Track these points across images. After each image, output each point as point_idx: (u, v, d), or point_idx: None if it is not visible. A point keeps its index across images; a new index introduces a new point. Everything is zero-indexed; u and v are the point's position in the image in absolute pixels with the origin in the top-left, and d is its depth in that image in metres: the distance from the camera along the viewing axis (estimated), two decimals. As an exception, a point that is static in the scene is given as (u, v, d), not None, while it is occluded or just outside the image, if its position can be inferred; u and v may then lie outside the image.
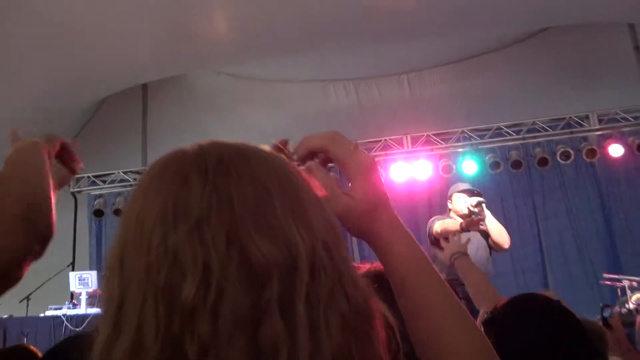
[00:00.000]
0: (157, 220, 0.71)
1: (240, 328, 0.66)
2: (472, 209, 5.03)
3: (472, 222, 4.77)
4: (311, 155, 0.95)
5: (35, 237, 1.13)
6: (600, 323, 2.85)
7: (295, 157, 0.95)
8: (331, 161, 0.95)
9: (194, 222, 0.69)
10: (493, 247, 5.20)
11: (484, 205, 5.06)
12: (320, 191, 0.82)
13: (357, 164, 0.92)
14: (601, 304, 4.11)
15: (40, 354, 2.18)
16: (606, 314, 2.79)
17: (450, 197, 5.33)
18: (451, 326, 0.88)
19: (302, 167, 0.93)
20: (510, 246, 5.32)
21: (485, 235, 5.17)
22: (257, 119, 10.33)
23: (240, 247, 0.69)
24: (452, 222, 4.95)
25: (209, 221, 0.70)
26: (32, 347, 2.27)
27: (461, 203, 5.14)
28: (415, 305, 0.89)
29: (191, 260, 0.68)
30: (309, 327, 0.68)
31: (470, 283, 2.21)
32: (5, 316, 8.00)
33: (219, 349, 0.66)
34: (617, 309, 6.71)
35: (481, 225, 5.09)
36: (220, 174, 0.74)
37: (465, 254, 2.23)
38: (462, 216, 5.09)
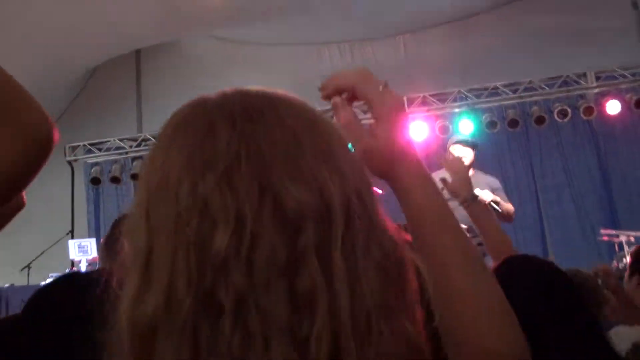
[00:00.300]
0: (183, 170, 0.69)
1: (277, 276, 0.65)
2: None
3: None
4: (338, 92, 0.94)
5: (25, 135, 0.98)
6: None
7: (322, 93, 0.95)
8: (357, 99, 0.93)
9: (223, 170, 0.68)
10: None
11: (497, 197, 4.82)
12: (343, 128, 0.83)
13: (385, 104, 0.90)
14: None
15: None
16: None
17: (447, 150, 5.22)
18: (467, 284, 0.84)
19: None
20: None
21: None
22: (251, 82, 9.59)
23: (273, 193, 0.67)
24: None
25: (239, 169, 0.68)
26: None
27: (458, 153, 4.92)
28: (430, 257, 0.86)
29: (222, 209, 0.66)
30: (347, 277, 0.67)
31: (485, 233, 2.12)
32: (6, 285, 8.06)
33: (257, 298, 0.65)
34: (615, 263, 6.78)
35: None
36: (247, 121, 0.72)
37: (477, 197, 2.12)
38: None
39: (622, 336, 2.15)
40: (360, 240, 0.69)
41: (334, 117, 0.91)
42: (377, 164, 0.90)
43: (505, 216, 4.79)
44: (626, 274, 2.87)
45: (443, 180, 2.27)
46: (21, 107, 1.00)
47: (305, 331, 0.65)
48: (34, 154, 0.98)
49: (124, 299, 0.69)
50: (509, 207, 4.97)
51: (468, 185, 2.11)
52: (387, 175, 0.91)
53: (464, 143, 5.16)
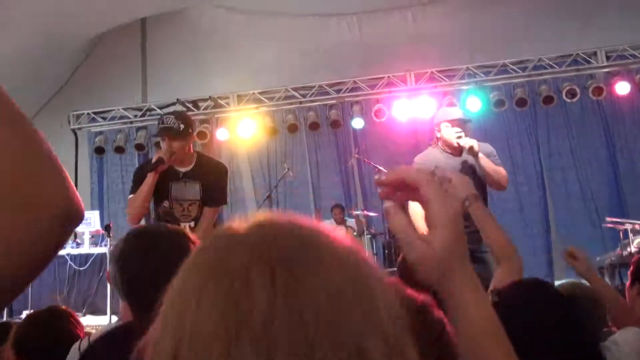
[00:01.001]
0: (216, 329, 0.63)
1: None
2: (465, 151, 4.47)
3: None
4: (397, 184, 0.90)
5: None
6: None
7: (381, 183, 0.91)
8: (413, 198, 0.90)
9: (261, 336, 0.62)
10: (491, 187, 4.66)
11: (474, 147, 4.44)
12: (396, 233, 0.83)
13: (444, 213, 0.87)
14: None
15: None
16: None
17: (437, 125, 4.65)
18: None
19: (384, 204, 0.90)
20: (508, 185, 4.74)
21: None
22: (258, 53, 10.21)
23: None
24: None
25: (277, 339, 0.62)
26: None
27: (451, 133, 4.54)
28: None
29: None
30: None
31: (488, 234, 2.16)
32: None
33: None
34: (619, 250, 6.77)
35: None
36: (289, 275, 0.65)
37: (478, 197, 2.11)
38: (451, 148, 4.56)
39: (626, 341, 2.19)
40: None
41: (387, 221, 0.89)
42: (429, 274, 0.88)
43: (490, 175, 4.44)
44: (628, 283, 2.87)
45: (445, 179, 2.27)
46: (40, 184, 0.83)
47: None
48: (55, 235, 0.84)
49: None
50: (498, 168, 4.53)
51: (468, 185, 2.10)
52: (439, 285, 0.89)
53: (459, 123, 4.63)
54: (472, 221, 2.29)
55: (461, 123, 4.56)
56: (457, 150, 4.55)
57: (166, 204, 4.04)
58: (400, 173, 0.90)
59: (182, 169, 4.06)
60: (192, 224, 4.01)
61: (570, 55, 8.97)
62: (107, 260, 7.41)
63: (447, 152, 4.59)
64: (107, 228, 7.43)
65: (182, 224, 3.93)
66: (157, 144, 9.89)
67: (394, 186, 0.90)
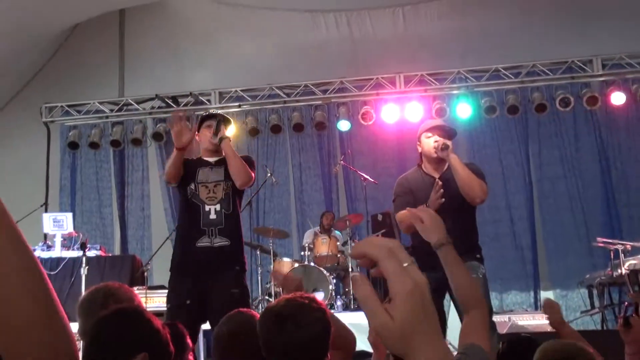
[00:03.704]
0: None
1: None
2: (437, 151, 4.33)
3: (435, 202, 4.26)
4: (362, 257, 0.95)
5: None
6: (622, 321, 2.91)
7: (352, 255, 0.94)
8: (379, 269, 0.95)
9: None
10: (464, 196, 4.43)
11: (450, 148, 4.31)
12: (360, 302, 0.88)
13: (401, 288, 0.91)
14: (625, 302, 4.08)
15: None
16: (629, 312, 2.85)
17: (419, 139, 4.55)
18: None
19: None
20: (485, 198, 4.43)
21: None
22: (241, 47, 10.05)
23: None
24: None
25: None
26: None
27: (429, 143, 4.40)
28: None
29: None
30: None
31: (456, 281, 2.22)
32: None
33: None
34: (608, 270, 6.71)
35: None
36: None
37: (450, 242, 2.20)
38: (432, 162, 4.44)
39: None
40: None
41: (353, 290, 0.95)
42: (392, 343, 0.91)
43: (460, 179, 4.27)
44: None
45: (418, 219, 2.33)
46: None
47: None
48: None
49: None
50: (472, 176, 4.32)
51: (440, 229, 2.21)
52: (403, 354, 0.92)
53: (439, 130, 4.47)
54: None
55: (442, 131, 4.44)
56: (438, 163, 4.45)
57: (192, 186, 4.39)
58: (361, 249, 0.94)
59: (212, 159, 4.49)
60: (218, 206, 4.32)
61: (565, 62, 8.93)
62: (80, 265, 7.20)
63: (426, 172, 4.50)
64: (82, 246, 7.18)
65: (208, 207, 4.32)
66: (134, 141, 9.72)
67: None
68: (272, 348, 2.07)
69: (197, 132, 4.53)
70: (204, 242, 4.28)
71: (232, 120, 4.78)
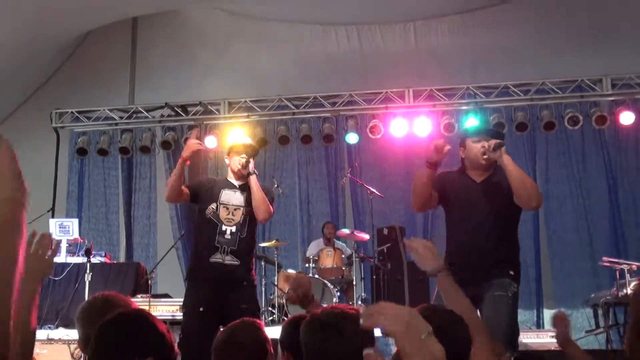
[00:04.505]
0: None
1: None
2: (489, 152, 3.97)
3: None
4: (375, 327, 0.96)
5: None
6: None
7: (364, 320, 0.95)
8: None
9: None
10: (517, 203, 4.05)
11: (503, 148, 3.97)
12: None
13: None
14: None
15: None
16: None
17: (462, 145, 4.21)
18: None
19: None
20: (541, 201, 4.17)
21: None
22: (253, 58, 10.15)
23: None
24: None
25: None
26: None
27: (477, 148, 4.07)
28: None
29: None
30: None
31: (451, 302, 2.30)
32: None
33: None
34: (614, 290, 6.71)
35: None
36: None
37: (446, 269, 2.31)
38: (479, 167, 4.12)
39: None
40: None
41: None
42: None
43: (516, 183, 3.90)
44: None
45: (413, 249, 2.39)
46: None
47: None
48: None
49: None
50: (527, 179, 4.05)
51: (435, 259, 2.28)
52: None
53: (489, 134, 4.14)
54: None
55: (488, 136, 4.12)
56: (484, 169, 4.14)
57: (214, 206, 4.72)
58: (376, 322, 0.92)
59: (238, 182, 4.84)
60: (234, 228, 4.66)
61: (575, 81, 8.97)
62: (85, 271, 7.27)
63: (468, 175, 4.18)
64: (87, 252, 7.25)
65: (225, 227, 4.66)
66: (143, 149, 9.78)
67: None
68: (314, 356, 2.10)
69: (227, 155, 4.99)
70: (216, 258, 4.61)
71: (257, 150, 5.18)
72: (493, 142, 3.99)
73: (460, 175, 4.25)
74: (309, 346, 2.10)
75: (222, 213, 4.69)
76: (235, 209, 4.71)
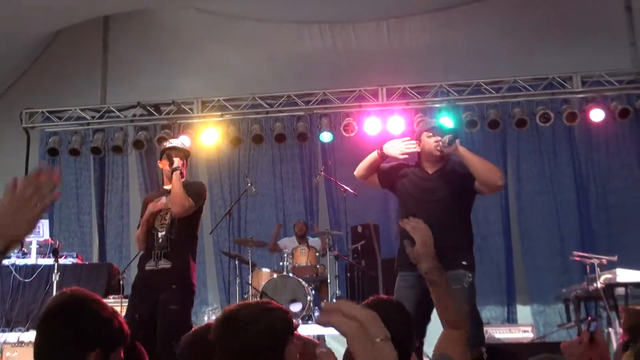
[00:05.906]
0: None
1: None
2: (444, 147, 4.24)
3: None
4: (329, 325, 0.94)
5: None
6: (587, 338, 2.85)
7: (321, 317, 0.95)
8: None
9: None
10: (481, 189, 4.29)
11: (457, 141, 4.25)
12: None
13: None
14: (588, 317, 4.14)
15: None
16: (592, 328, 2.86)
17: (418, 138, 4.49)
18: None
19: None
20: (505, 181, 4.62)
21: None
22: (225, 57, 10.17)
23: None
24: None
25: None
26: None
27: (432, 143, 4.35)
28: None
29: None
30: None
31: (441, 301, 2.33)
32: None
33: None
34: (584, 284, 6.83)
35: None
36: None
37: (440, 269, 2.28)
38: (432, 160, 4.40)
39: None
40: None
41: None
42: None
43: (478, 169, 4.16)
44: (620, 343, 2.90)
45: (407, 244, 2.39)
46: None
47: None
48: None
49: None
50: (487, 163, 4.33)
51: (431, 257, 2.24)
52: None
53: (442, 130, 4.44)
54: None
55: (441, 132, 4.43)
56: (437, 162, 4.45)
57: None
58: (329, 320, 0.91)
59: (168, 187, 4.85)
60: (164, 231, 4.73)
61: (545, 78, 9.11)
62: (54, 273, 7.22)
63: (422, 167, 4.50)
64: (54, 253, 7.21)
65: (159, 233, 4.74)
66: (115, 149, 9.73)
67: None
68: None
69: (159, 160, 5.07)
70: (150, 265, 4.74)
71: (186, 149, 5.17)
72: (447, 137, 4.29)
73: (415, 167, 4.59)
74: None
75: (157, 220, 4.81)
76: (165, 213, 4.80)
